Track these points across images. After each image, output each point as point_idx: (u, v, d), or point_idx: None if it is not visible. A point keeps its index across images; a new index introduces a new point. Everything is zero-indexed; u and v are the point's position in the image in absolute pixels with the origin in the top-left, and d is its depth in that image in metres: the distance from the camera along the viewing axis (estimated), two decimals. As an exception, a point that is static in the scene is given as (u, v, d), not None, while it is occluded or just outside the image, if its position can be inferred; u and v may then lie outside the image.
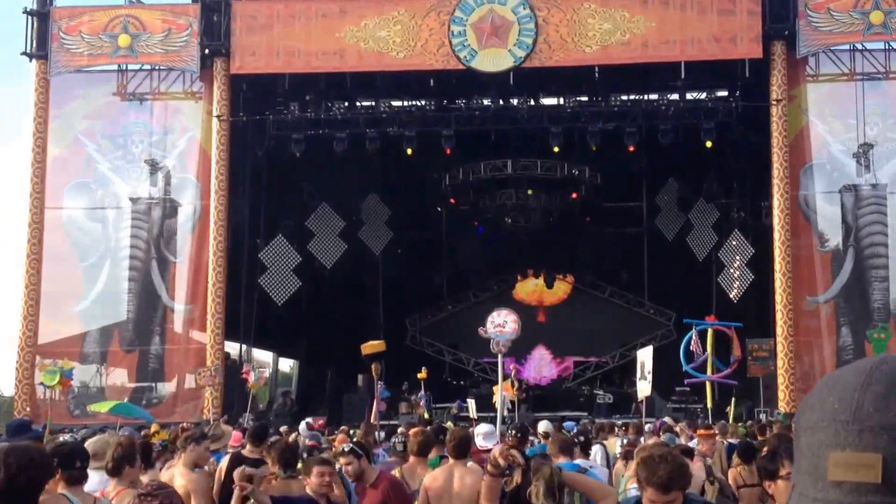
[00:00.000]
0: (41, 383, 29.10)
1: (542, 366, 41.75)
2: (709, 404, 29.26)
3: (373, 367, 25.08)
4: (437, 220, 43.35)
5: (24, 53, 34.28)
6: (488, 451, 10.09)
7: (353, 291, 42.43)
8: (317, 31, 32.97)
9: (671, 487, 5.57)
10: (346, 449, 9.54)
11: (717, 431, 16.81)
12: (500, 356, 20.55)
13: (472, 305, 43.01)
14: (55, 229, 34.07)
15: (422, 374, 30.75)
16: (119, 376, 33.89)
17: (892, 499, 1.53)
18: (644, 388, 27.84)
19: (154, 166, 33.91)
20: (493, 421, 20.12)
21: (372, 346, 26.28)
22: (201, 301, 33.14)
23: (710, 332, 30.01)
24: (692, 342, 30.11)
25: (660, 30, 32.76)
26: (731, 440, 17.15)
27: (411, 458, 10.59)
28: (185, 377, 33.54)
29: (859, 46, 33.58)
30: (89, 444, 8.51)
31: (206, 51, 33.55)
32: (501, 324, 21.48)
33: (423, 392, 31.85)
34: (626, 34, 32.61)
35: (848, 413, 1.56)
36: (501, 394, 22.25)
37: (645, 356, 29.13)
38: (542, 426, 16.90)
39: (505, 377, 27.41)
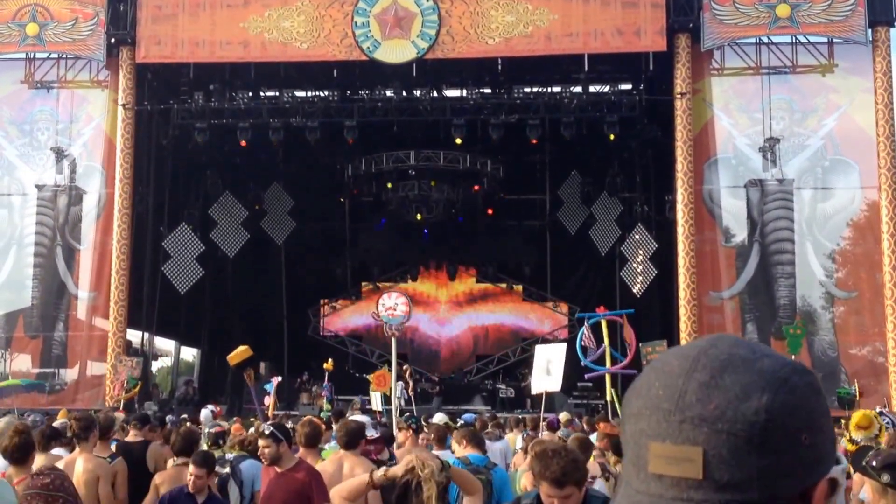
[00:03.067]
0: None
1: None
2: (608, 397, 30.47)
3: (245, 375, 26.05)
4: (339, 210, 45.54)
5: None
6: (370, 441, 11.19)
7: (255, 281, 44.70)
8: (221, 21, 35.04)
9: (565, 482, 5.83)
10: (267, 432, 9.87)
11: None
12: (393, 340, 21.55)
13: (374, 297, 44.87)
14: (-40, 215, 36.11)
15: (328, 365, 31.54)
16: (23, 362, 35.84)
17: (715, 495, 1.56)
18: (549, 384, 29.43)
19: (60, 154, 36.06)
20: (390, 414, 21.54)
21: (238, 355, 26.96)
22: (105, 288, 35.15)
23: (603, 323, 31.61)
24: (584, 337, 31.77)
25: (563, 22, 34.44)
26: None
27: (301, 449, 10.70)
28: (88, 364, 35.55)
29: (765, 40, 35.19)
30: None
31: (113, 40, 35.66)
32: (392, 307, 22.75)
33: (326, 383, 32.76)
34: (528, 26, 34.37)
35: (671, 402, 1.60)
36: (397, 383, 23.57)
37: (552, 353, 30.60)
38: (437, 419, 17.53)
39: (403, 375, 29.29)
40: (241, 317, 43.34)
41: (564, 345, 31.88)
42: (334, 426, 15.11)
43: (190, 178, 39.99)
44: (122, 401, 30.86)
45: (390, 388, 25.41)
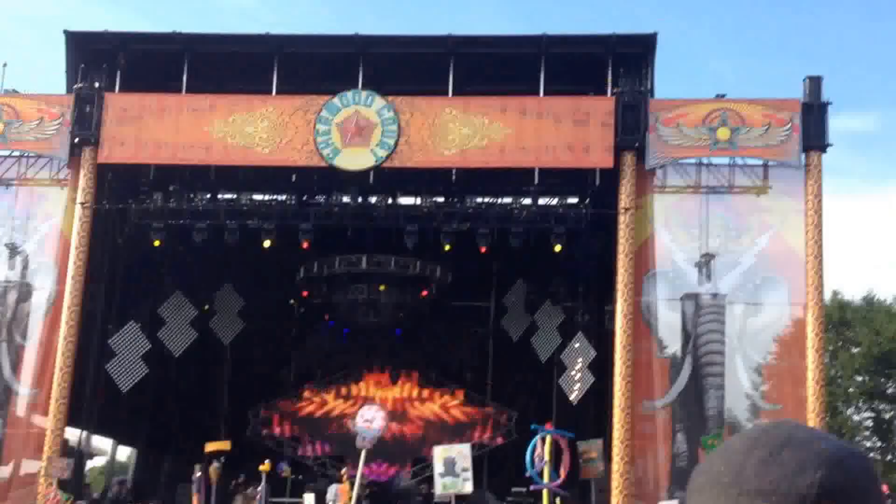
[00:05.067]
0: None
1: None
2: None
3: (211, 468, 26.04)
4: (289, 312, 45.58)
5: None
6: None
7: (199, 380, 44.35)
8: (186, 125, 35.07)
9: None
10: None
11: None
12: (363, 452, 21.40)
13: (317, 399, 45.26)
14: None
15: (264, 467, 31.84)
16: (-45, 460, 34.68)
17: None
18: (460, 486, 29.50)
19: (13, 250, 35.40)
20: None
21: (216, 445, 26.98)
22: (47, 385, 34.27)
23: (548, 439, 31.96)
24: (537, 447, 32.02)
25: (517, 136, 35.06)
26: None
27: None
28: (22, 462, 34.48)
29: (705, 160, 36.06)
30: None
31: (77, 139, 35.26)
32: (370, 419, 22.93)
33: (263, 485, 32.84)
34: (484, 139, 34.88)
35: (730, 476, 1.71)
36: (356, 490, 23.60)
37: (456, 453, 30.78)
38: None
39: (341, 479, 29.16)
40: (181, 415, 42.90)
41: (468, 445, 32.42)
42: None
43: (143, 277, 39.43)
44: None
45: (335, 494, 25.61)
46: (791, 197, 35.90)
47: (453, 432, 44.43)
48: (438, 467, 30.29)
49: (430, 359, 46.30)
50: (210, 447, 27.17)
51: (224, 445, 27.09)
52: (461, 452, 30.36)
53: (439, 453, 30.84)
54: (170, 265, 40.40)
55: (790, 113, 35.86)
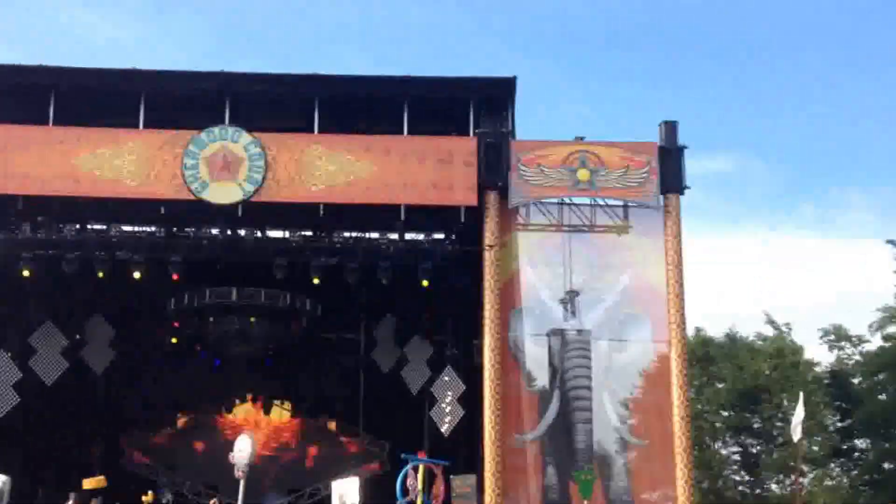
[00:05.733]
0: None
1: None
2: (419, 538, 30.75)
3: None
4: (160, 342, 45.38)
5: None
6: None
7: (72, 409, 43.96)
8: (53, 157, 35.33)
9: None
10: None
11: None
12: (241, 482, 21.40)
13: (190, 428, 45.53)
14: None
15: (147, 498, 32.06)
16: None
17: None
18: None
19: None
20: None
21: (93, 482, 27.11)
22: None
23: (421, 468, 32.02)
24: (409, 476, 31.92)
25: (382, 174, 35.91)
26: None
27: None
28: None
29: (567, 200, 37.03)
30: None
31: (-63, 172, 35.11)
32: (242, 448, 23.08)
33: None
34: (349, 176, 35.77)
35: None
36: None
37: (346, 488, 31.07)
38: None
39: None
40: (54, 445, 42.70)
41: (357, 478, 32.84)
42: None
43: (12, 307, 39.44)
44: None
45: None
46: (651, 236, 36.97)
47: (333, 461, 44.83)
48: (336, 501, 30.59)
49: (303, 390, 46.60)
50: (87, 484, 27.29)
51: (100, 483, 27.22)
52: (351, 486, 30.63)
53: (336, 487, 31.18)
54: (40, 295, 40.13)
55: (647, 156, 36.90)
